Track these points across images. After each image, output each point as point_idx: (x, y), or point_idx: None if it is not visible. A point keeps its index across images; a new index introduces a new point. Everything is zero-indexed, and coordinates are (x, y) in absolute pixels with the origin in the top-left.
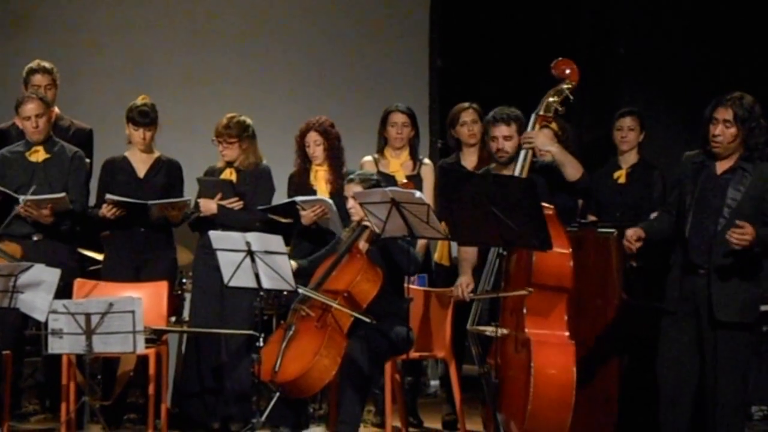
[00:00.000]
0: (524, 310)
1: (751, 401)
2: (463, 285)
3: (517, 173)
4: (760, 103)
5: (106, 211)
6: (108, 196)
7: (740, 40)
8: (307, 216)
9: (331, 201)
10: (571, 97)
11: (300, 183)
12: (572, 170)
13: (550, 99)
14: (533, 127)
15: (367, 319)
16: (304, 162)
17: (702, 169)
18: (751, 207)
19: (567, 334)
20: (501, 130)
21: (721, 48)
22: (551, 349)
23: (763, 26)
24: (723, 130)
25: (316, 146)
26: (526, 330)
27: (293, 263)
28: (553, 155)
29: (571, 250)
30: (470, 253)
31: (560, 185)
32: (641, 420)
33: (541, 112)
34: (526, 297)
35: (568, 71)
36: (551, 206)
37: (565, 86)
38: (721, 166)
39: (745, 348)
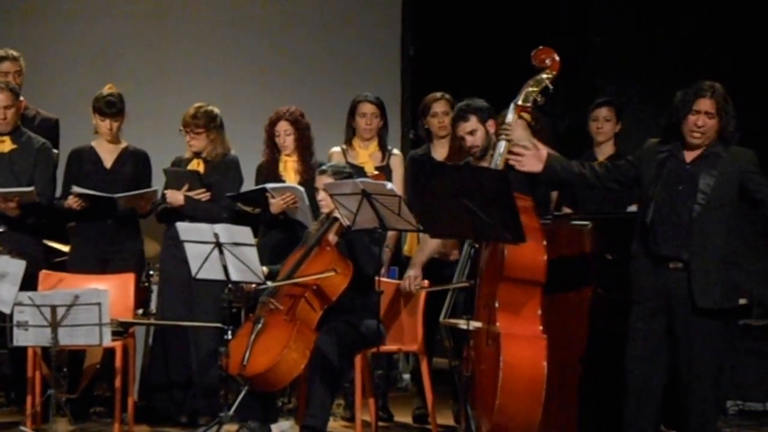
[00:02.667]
0: (496, 304)
1: (726, 396)
2: (411, 278)
3: (493, 165)
4: (739, 93)
5: (72, 202)
6: (74, 188)
7: (717, 30)
8: (276, 204)
9: (302, 189)
10: (551, 87)
11: (269, 173)
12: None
13: (530, 89)
14: (512, 118)
15: (330, 273)
16: (273, 152)
17: (668, 158)
18: (727, 191)
19: (540, 328)
20: (463, 128)
21: (697, 38)
22: (521, 343)
23: (739, 16)
24: (705, 121)
25: (286, 136)
26: (497, 323)
27: (264, 269)
28: (527, 146)
29: (545, 243)
30: (429, 244)
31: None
32: (609, 414)
33: (520, 102)
34: (498, 290)
35: (548, 61)
36: (528, 197)
37: (544, 76)
38: (690, 155)
39: (721, 339)
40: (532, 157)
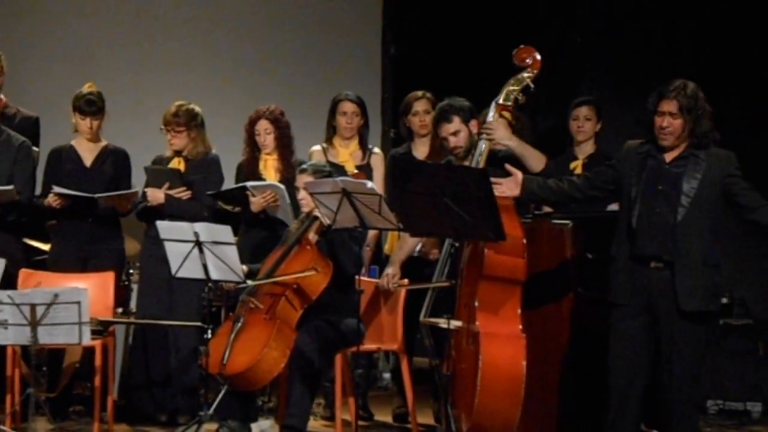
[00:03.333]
0: (476, 303)
1: (707, 395)
2: (389, 276)
3: (474, 164)
4: (720, 92)
5: (51, 200)
6: (54, 188)
7: (697, 29)
8: (257, 202)
9: (282, 187)
10: (532, 86)
11: (249, 172)
12: (535, 162)
13: (511, 88)
14: (493, 117)
15: (311, 272)
16: (253, 151)
17: (647, 158)
18: (710, 194)
19: (519, 327)
20: (446, 129)
21: (678, 37)
22: (500, 342)
23: (720, 15)
24: (670, 122)
25: (266, 135)
26: (477, 322)
27: (244, 267)
28: (512, 149)
29: (525, 241)
30: (409, 242)
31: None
32: (589, 413)
33: (501, 101)
34: (478, 289)
35: (529, 60)
36: (508, 197)
37: (525, 75)
38: (669, 155)
39: (702, 340)
40: (509, 182)
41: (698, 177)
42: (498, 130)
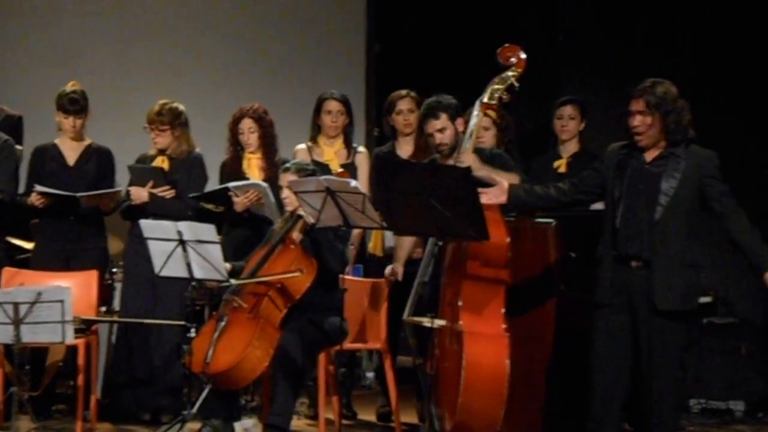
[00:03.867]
0: (460, 302)
1: (690, 394)
2: (398, 271)
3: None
4: (700, 90)
5: (34, 199)
6: (36, 187)
7: (681, 28)
8: (240, 202)
9: (266, 185)
10: (517, 85)
11: (232, 171)
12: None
13: (495, 86)
14: (478, 115)
15: (297, 273)
16: (237, 150)
17: (629, 159)
18: (689, 193)
19: (503, 326)
20: (432, 125)
21: (661, 35)
22: (483, 341)
23: (703, 13)
24: (640, 120)
25: (250, 133)
26: (460, 321)
27: (227, 265)
28: (482, 178)
29: (509, 240)
30: (406, 240)
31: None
32: (573, 412)
33: (486, 100)
34: (462, 288)
35: (513, 59)
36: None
37: (510, 74)
38: (649, 155)
39: (681, 338)
40: (495, 190)
41: (677, 176)
42: (466, 162)
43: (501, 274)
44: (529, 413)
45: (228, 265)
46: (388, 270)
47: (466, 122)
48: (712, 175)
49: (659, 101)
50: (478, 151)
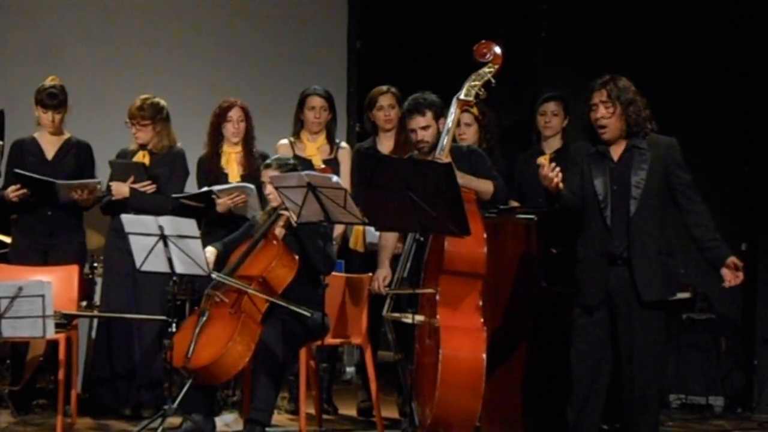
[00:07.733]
0: (437, 297)
1: (669, 390)
2: (380, 278)
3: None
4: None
5: (11, 191)
6: (16, 170)
7: (662, 24)
8: (223, 203)
9: (252, 186)
10: (493, 81)
11: (210, 167)
12: (484, 188)
13: (472, 83)
14: (455, 112)
15: (307, 313)
16: (216, 145)
17: (601, 161)
18: (658, 183)
19: (480, 320)
20: (417, 122)
21: (643, 31)
22: (460, 336)
23: (685, 8)
24: (603, 112)
25: (239, 122)
26: (438, 316)
27: (211, 249)
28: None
29: (485, 235)
30: (390, 240)
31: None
32: (553, 406)
33: (462, 97)
34: (440, 283)
35: (489, 55)
36: (471, 191)
37: (486, 70)
38: (616, 152)
39: (662, 331)
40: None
41: (645, 168)
42: (444, 160)
43: (477, 269)
44: (508, 408)
45: (211, 250)
46: (374, 285)
47: (443, 121)
48: (677, 162)
49: (620, 92)
50: (455, 148)
